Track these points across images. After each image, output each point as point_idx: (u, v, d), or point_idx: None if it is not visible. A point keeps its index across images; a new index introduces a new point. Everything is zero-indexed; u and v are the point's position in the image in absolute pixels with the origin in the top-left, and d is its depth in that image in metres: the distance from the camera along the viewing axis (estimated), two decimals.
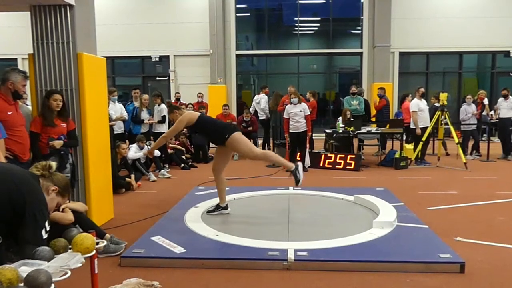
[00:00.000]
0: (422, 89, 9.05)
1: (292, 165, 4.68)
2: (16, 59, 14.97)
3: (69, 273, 2.04)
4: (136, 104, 8.59)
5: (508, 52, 14.58)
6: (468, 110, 9.80)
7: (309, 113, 8.20)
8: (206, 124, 4.76)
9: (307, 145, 8.34)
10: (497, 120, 9.96)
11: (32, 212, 2.10)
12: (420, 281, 3.20)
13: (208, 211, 4.97)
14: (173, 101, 12.25)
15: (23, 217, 2.10)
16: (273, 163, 4.83)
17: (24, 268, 1.93)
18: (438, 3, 14.62)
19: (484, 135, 12.02)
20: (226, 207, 4.99)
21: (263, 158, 4.93)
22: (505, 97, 9.52)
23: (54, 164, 2.43)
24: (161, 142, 5.07)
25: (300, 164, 4.75)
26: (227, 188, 5.04)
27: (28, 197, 2.12)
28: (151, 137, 8.61)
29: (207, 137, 5.13)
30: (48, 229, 2.17)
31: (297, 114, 8.06)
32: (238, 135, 4.63)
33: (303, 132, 8.13)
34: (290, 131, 8.18)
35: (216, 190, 5.05)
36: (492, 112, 11.26)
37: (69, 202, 3.59)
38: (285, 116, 8.29)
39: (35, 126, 4.20)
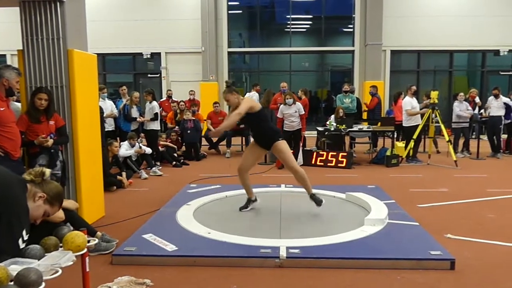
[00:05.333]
0: (414, 87, 9.09)
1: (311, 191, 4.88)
2: (5, 55, 14.76)
3: (60, 271, 2.03)
4: (125, 101, 8.53)
5: (498, 51, 14.72)
6: (460, 108, 9.87)
7: (303, 112, 8.25)
8: (265, 118, 4.90)
9: (300, 143, 8.36)
10: (487, 118, 10.06)
11: (8, 219, 2.00)
12: (410, 278, 3.23)
13: (241, 208, 5.00)
14: (164, 98, 12.09)
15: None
16: (302, 183, 4.88)
17: (14, 267, 1.90)
18: (430, 2, 14.71)
19: (474, 133, 12.15)
20: (255, 200, 5.09)
21: (298, 175, 4.81)
22: (496, 96, 9.61)
23: (47, 171, 2.37)
24: (234, 120, 4.73)
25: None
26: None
27: (3, 203, 2.01)
28: (142, 134, 8.59)
29: (258, 131, 4.93)
30: (25, 238, 2.07)
31: (292, 115, 8.11)
32: (285, 144, 4.83)
33: (298, 130, 8.18)
34: (285, 129, 8.20)
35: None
36: (482, 110, 11.37)
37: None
38: (279, 115, 8.30)
39: (20, 125, 4.09)
